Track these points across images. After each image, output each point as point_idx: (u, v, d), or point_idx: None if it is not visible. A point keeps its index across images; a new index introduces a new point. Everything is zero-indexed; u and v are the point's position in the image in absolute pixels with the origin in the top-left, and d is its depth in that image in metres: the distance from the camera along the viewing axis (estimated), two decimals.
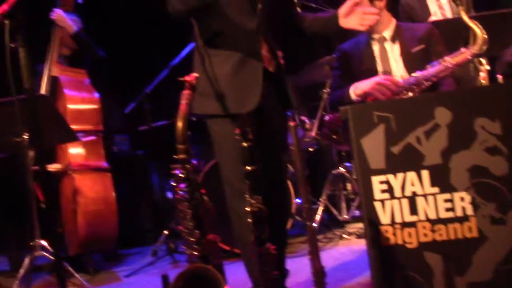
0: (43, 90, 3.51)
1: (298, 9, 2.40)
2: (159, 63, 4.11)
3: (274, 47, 2.25)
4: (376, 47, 2.74)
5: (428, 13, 3.60)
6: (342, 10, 2.24)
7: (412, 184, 1.91)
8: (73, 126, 3.25)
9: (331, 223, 4.03)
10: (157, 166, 4.59)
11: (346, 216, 4.05)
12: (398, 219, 1.92)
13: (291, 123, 1.84)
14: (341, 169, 4.05)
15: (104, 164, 3.59)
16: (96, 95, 3.62)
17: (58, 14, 3.58)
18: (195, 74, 1.73)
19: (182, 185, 1.63)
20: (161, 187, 4.51)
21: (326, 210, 4.02)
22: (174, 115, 4.40)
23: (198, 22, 2.20)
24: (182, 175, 1.62)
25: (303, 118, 4.07)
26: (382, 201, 1.93)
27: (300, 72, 4.06)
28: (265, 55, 2.20)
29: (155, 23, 4.79)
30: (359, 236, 3.63)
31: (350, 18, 2.23)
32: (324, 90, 3.72)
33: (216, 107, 2.13)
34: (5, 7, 1.54)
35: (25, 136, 2.87)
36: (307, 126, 3.99)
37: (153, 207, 4.61)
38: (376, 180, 1.93)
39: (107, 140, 3.83)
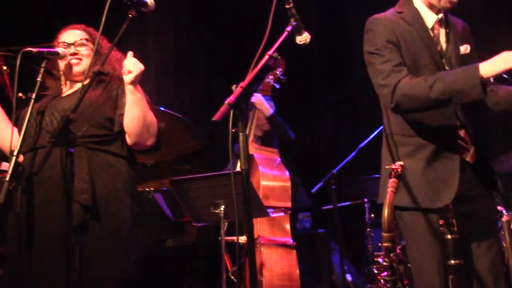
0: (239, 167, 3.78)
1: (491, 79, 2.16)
2: (346, 144, 4.21)
3: (471, 132, 2.04)
4: None
5: None
6: None
7: None
8: (265, 202, 3.42)
9: None
10: (338, 246, 4.57)
11: None
12: None
13: (505, 218, 1.73)
14: None
15: (290, 240, 3.69)
16: (287, 173, 3.79)
17: (258, 98, 3.91)
18: (400, 163, 1.74)
19: (385, 274, 1.62)
20: (341, 268, 4.47)
21: None
22: (358, 197, 4.41)
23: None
24: (386, 263, 1.61)
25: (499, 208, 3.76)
26: None
27: (499, 159, 3.80)
28: (462, 145, 2.00)
29: (342, 106, 4.96)
30: None
31: None
32: None
33: (407, 200, 1.97)
34: (232, 98, 1.74)
35: (222, 208, 3.12)
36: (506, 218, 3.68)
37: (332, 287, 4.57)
38: None
39: (292, 217, 3.95)
